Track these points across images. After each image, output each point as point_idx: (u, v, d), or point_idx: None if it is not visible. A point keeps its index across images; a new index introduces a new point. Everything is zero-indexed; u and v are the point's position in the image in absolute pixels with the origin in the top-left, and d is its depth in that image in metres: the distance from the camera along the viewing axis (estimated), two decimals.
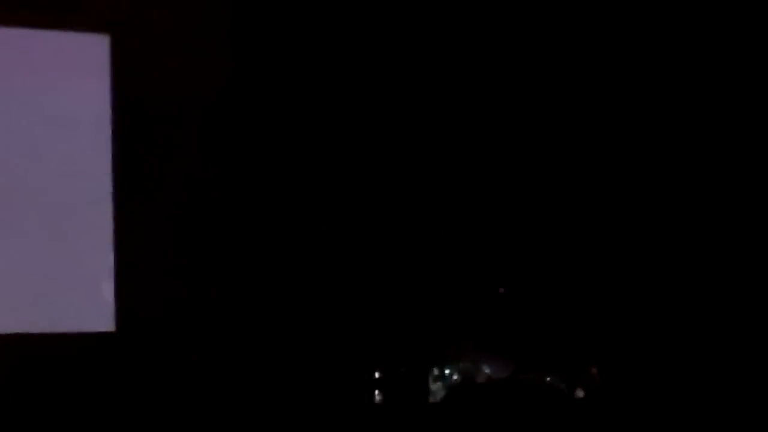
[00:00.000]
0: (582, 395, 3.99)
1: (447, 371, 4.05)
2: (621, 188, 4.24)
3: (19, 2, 3.82)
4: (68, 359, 3.82)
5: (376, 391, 4.02)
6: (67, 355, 3.82)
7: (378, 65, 4.24)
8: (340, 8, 4.16)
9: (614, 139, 4.23)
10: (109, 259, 3.91)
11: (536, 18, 4.26)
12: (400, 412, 3.99)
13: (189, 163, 4.04)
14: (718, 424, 3.89)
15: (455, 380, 4.04)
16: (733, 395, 3.98)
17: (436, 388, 4.06)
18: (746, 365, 4.06)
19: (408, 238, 4.20)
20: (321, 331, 4.10)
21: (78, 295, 3.88)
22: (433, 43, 4.21)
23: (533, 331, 4.14)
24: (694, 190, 4.20)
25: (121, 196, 3.94)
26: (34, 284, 3.81)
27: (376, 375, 4.05)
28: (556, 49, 4.26)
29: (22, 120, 3.83)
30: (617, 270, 4.22)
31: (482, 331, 4.13)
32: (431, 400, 4.03)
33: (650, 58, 4.27)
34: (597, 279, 4.19)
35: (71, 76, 3.90)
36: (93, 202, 3.93)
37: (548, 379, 4.03)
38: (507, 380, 4.02)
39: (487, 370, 4.05)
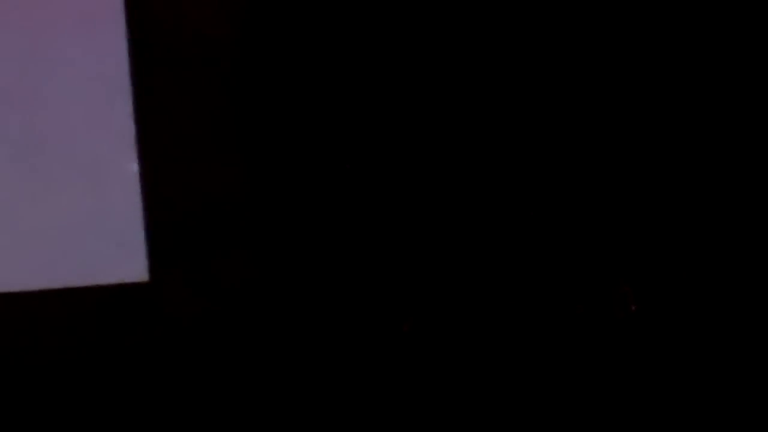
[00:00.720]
0: (617, 317, 3.95)
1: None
2: (650, 102, 4.18)
3: None
4: (101, 311, 3.83)
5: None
6: (100, 308, 3.83)
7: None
8: None
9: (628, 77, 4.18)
10: (138, 207, 3.91)
11: None
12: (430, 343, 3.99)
13: (213, 103, 4.01)
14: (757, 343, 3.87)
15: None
16: None
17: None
18: None
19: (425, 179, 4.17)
20: (347, 274, 4.10)
21: (108, 246, 3.88)
22: None
23: (563, 254, 4.10)
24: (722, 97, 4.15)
25: (145, 141, 3.91)
26: (61, 238, 3.82)
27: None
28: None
29: (36, 72, 3.82)
30: (646, 185, 4.18)
31: (509, 258, 4.09)
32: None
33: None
34: (626, 195, 4.15)
35: (86, 24, 3.87)
36: (118, 150, 3.91)
37: (581, 303, 4.00)
38: (538, 308, 4.00)
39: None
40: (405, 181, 4.14)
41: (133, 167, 3.90)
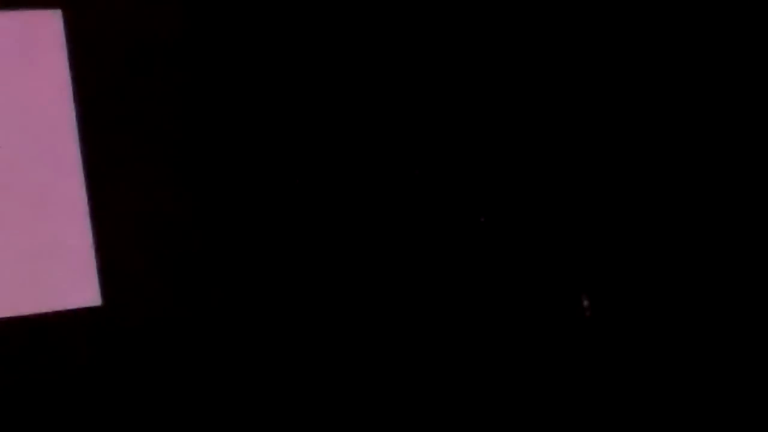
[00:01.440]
0: (573, 328, 3.92)
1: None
2: (614, 115, 4.14)
3: None
4: (56, 337, 3.85)
5: None
6: (54, 334, 3.84)
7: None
8: None
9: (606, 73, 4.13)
10: (87, 232, 3.91)
11: None
12: None
13: (159, 124, 4.01)
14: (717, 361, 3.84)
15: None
16: (734, 333, 3.91)
17: None
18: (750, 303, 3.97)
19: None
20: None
21: (60, 272, 3.89)
22: None
23: (519, 261, 4.06)
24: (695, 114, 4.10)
25: (92, 165, 3.91)
26: (13, 266, 3.82)
27: None
28: None
29: None
30: (610, 192, 4.13)
31: (461, 267, 4.06)
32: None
33: None
34: (583, 202, 4.10)
35: (28, 56, 3.88)
36: (66, 176, 3.91)
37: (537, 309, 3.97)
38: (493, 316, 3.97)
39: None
40: (357, 191, 4.12)
41: (82, 193, 3.90)
